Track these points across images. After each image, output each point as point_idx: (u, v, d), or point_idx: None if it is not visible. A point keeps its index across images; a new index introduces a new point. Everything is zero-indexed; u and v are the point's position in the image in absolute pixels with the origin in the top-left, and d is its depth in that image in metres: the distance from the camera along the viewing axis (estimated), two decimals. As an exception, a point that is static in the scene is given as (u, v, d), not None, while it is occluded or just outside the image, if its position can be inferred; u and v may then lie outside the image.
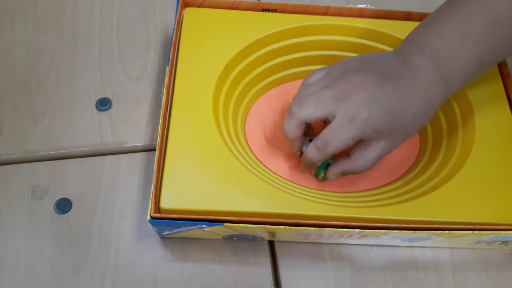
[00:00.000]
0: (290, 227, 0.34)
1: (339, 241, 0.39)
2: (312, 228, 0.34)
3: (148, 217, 0.34)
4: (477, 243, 0.38)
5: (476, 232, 0.34)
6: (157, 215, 0.34)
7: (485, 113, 0.40)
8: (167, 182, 0.35)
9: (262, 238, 0.38)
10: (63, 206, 0.40)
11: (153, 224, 0.35)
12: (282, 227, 0.34)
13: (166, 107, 0.38)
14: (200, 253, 0.38)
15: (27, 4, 0.51)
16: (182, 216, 0.34)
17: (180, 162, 0.36)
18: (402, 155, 0.42)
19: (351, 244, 0.39)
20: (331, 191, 0.39)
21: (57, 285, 0.37)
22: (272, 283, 0.37)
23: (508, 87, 0.41)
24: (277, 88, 0.45)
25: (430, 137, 0.42)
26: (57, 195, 0.41)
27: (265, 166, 0.40)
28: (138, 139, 0.43)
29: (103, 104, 0.45)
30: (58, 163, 0.42)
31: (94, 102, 0.45)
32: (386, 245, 0.39)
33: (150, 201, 0.34)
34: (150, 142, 0.43)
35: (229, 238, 0.38)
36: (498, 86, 0.41)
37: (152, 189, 0.35)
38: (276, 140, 0.42)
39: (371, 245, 0.39)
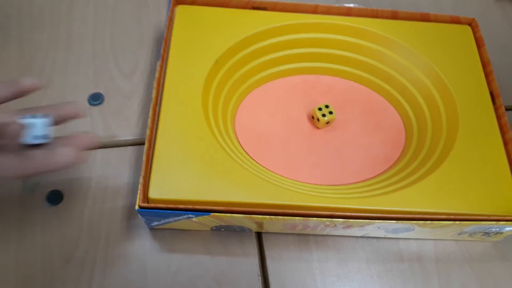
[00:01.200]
0: (276, 216, 0.35)
1: (325, 232, 0.39)
2: (297, 218, 0.35)
3: (137, 207, 0.34)
4: (459, 234, 0.38)
5: (458, 222, 0.35)
6: (145, 204, 0.34)
7: (468, 109, 0.41)
8: (155, 172, 0.35)
9: (250, 230, 0.39)
10: (54, 198, 0.41)
11: (141, 214, 0.35)
12: (267, 216, 0.35)
13: (156, 101, 0.39)
14: (188, 244, 0.39)
15: (24, 2, 0.52)
16: (170, 206, 0.34)
17: (169, 153, 0.36)
18: (387, 150, 0.43)
19: (337, 236, 0.40)
20: (317, 184, 0.40)
21: (48, 276, 0.38)
22: (259, 274, 0.38)
23: (491, 83, 0.42)
24: (266, 84, 0.46)
25: (415, 132, 0.43)
26: (48, 187, 0.41)
27: (253, 160, 0.41)
28: (129, 133, 0.44)
29: (95, 99, 0.46)
30: (50, 156, 0.43)
31: (86, 97, 0.46)
32: (371, 237, 0.40)
33: (139, 191, 0.35)
34: (141, 136, 0.44)
35: (217, 229, 0.39)
36: (481, 82, 0.42)
37: (141, 179, 0.35)
38: (265, 134, 0.43)
39: (357, 237, 0.40)
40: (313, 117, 0.43)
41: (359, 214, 0.35)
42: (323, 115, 0.42)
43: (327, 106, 0.43)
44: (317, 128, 0.43)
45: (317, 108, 0.43)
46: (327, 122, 0.43)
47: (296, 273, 0.38)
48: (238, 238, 0.39)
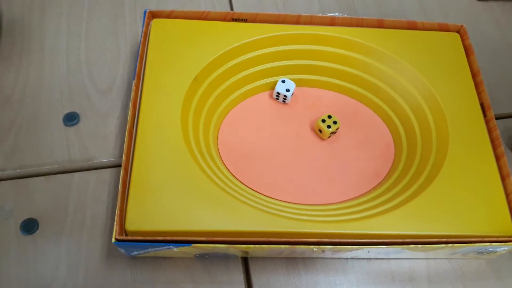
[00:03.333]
0: (260, 245, 0.33)
1: (314, 256, 0.38)
2: (283, 246, 0.33)
3: (113, 240, 0.33)
4: (452, 254, 0.37)
5: (450, 245, 0.34)
6: (122, 237, 0.33)
7: (458, 121, 0.39)
8: (132, 202, 0.33)
9: (235, 256, 0.38)
10: (30, 226, 0.39)
11: (119, 246, 0.34)
12: (252, 245, 0.33)
13: (132, 124, 0.37)
14: (171, 272, 0.37)
15: (-8, 15, 0.49)
16: (148, 238, 0.32)
17: (146, 181, 0.34)
18: (377, 165, 0.41)
19: (326, 258, 0.39)
20: (305, 204, 0.38)
21: (23, 310, 0.36)
22: (246, 301, 0.37)
23: (481, 94, 0.41)
24: (249, 99, 0.44)
25: (404, 148, 0.41)
26: (23, 215, 0.39)
27: (238, 180, 0.39)
28: (107, 155, 0.42)
29: (71, 119, 0.44)
30: (24, 181, 0.41)
31: (61, 117, 0.44)
32: (362, 258, 0.39)
33: (115, 223, 0.33)
34: (119, 157, 0.42)
35: (201, 256, 0.37)
36: (471, 92, 0.41)
37: (117, 210, 0.33)
38: (250, 152, 0.41)
39: (347, 258, 0.39)
40: (320, 131, 0.41)
41: (348, 240, 0.33)
42: (328, 126, 0.41)
43: (330, 117, 0.41)
44: (321, 138, 0.42)
45: (320, 120, 0.41)
46: (333, 133, 0.41)
47: (285, 299, 0.37)
48: (223, 265, 0.38)
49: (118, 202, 0.34)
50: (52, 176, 0.41)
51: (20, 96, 0.45)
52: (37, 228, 0.39)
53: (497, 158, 0.38)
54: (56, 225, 0.39)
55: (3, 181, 0.41)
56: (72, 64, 0.47)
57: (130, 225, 0.33)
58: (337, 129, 0.41)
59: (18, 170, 0.41)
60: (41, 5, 0.50)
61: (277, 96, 0.43)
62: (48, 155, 0.42)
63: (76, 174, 0.41)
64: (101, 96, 0.45)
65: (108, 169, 0.42)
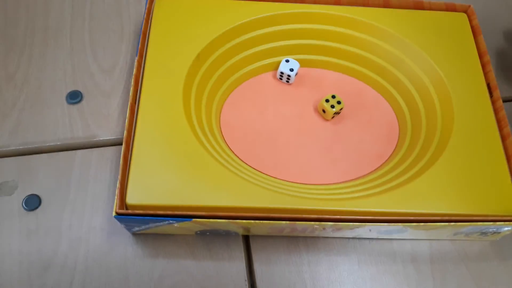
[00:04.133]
0: (261, 221, 0.33)
1: (315, 234, 0.38)
2: (284, 222, 0.33)
3: (113, 213, 0.33)
4: (455, 234, 0.37)
5: (452, 224, 0.33)
6: (123, 211, 0.33)
7: (464, 102, 0.39)
8: (133, 177, 0.33)
9: (236, 233, 0.37)
10: (32, 202, 0.39)
11: (119, 221, 0.34)
12: (252, 221, 0.33)
13: (134, 100, 0.37)
14: (172, 249, 0.37)
15: (-3, -5, 0.49)
16: (149, 212, 0.32)
17: (147, 156, 0.34)
18: (380, 147, 0.41)
19: (328, 237, 0.38)
20: (306, 184, 0.38)
21: (25, 283, 0.36)
22: (246, 278, 0.37)
23: (488, 75, 0.40)
24: (253, 78, 0.44)
25: (409, 130, 0.41)
26: (26, 191, 0.40)
27: (240, 159, 0.39)
28: (109, 133, 0.42)
29: (74, 97, 0.44)
30: (27, 158, 0.41)
31: (64, 95, 0.44)
32: (364, 238, 0.39)
33: (116, 197, 0.33)
34: (121, 135, 0.42)
35: (202, 233, 0.37)
36: (477, 73, 0.40)
37: (118, 184, 0.33)
38: (252, 132, 0.41)
39: (348, 238, 0.39)
40: (324, 111, 0.41)
41: (349, 217, 0.33)
42: (332, 106, 0.40)
43: (333, 97, 0.40)
44: (325, 119, 0.41)
45: (324, 100, 0.40)
46: (336, 113, 0.41)
47: (285, 278, 0.37)
48: (224, 242, 0.38)
49: (119, 176, 0.34)
50: (55, 153, 0.41)
51: (24, 74, 0.45)
52: (40, 204, 0.39)
53: (503, 139, 0.37)
54: (58, 202, 0.39)
55: (6, 158, 0.41)
56: (75, 43, 0.47)
57: (131, 199, 0.33)
58: (341, 109, 0.41)
59: (21, 147, 0.41)
60: (45, -15, 0.50)
61: (280, 76, 0.43)
62: (51, 132, 0.42)
63: (79, 152, 0.41)
64: (104, 75, 0.45)
65: (110, 147, 0.42)
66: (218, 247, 0.38)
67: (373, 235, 0.37)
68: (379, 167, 0.40)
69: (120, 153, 0.41)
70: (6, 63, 0.46)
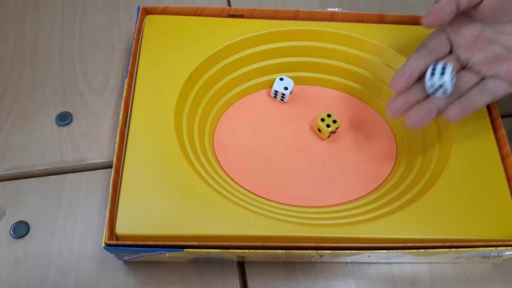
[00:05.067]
0: (256, 250, 0.32)
1: (312, 260, 0.37)
2: (280, 251, 0.32)
3: (103, 244, 0.31)
4: (456, 258, 0.36)
5: (454, 249, 0.32)
6: (112, 242, 0.31)
7: (463, 121, 0.37)
8: (122, 206, 0.32)
9: (231, 260, 0.36)
10: (20, 229, 0.38)
11: (109, 251, 0.32)
12: (246, 250, 0.32)
13: (124, 124, 0.36)
14: (164, 277, 0.36)
15: (-16, 13, 0.48)
16: (139, 243, 0.31)
17: (138, 183, 0.33)
18: (378, 166, 0.40)
19: (325, 262, 0.37)
20: (303, 206, 0.37)
21: (13, 314, 0.35)
22: (242, 307, 0.36)
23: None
24: (246, 97, 0.43)
25: (406, 148, 0.40)
26: (14, 218, 0.38)
27: (234, 181, 0.38)
28: (100, 155, 0.41)
29: (63, 118, 0.43)
30: (15, 183, 0.40)
31: (54, 116, 0.43)
32: (362, 262, 0.37)
33: (105, 227, 0.32)
34: (112, 158, 0.41)
35: (195, 260, 0.36)
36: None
37: (107, 213, 0.32)
38: (247, 153, 0.40)
39: (346, 263, 0.37)
40: (319, 130, 0.40)
41: (347, 245, 0.32)
42: (328, 126, 0.39)
43: (329, 116, 0.40)
44: (321, 138, 0.41)
45: (319, 119, 0.40)
46: (332, 132, 0.40)
47: (282, 305, 0.36)
48: (219, 269, 0.37)
49: (109, 205, 0.33)
50: (44, 177, 0.40)
51: (12, 94, 0.44)
52: (28, 231, 0.38)
53: (503, 159, 0.36)
54: (47, 228, 0.38)
55: (-6, 183, 0.40)
56: (65, 62, 0.46)
57: (120, 229, 0.32)
58: (337, 128, 0.40)
59: (9, 172, 0.40)
60: (34, 2, 0.49)
61: (275, 94, 0.42)
62: (40, 155, 0.41)
63: (68, 176, 0.40)
64: (95, 95, 0.44)
65: (101, 170, 0.41)
66: (212, 274, 0.36)
67: (372, 260, 0.36)
68: (376, 187, 0.39)
69: (111, 177, 0.40)
70: (-6, 83, 0.44)
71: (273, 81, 0.42)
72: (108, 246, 0.31)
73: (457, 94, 0.33)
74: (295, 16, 0.42)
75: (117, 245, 0.31)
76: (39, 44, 0.47)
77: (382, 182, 0.39)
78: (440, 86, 0.32)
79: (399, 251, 0.32)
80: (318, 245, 0.32)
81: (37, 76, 0.45)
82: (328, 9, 0.42)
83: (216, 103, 0.41)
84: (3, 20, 0.48)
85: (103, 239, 0.32)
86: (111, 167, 0.40)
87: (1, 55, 0.46)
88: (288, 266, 0.37)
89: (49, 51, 0.47)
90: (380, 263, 0.37)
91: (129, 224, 0.32)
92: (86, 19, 0.49)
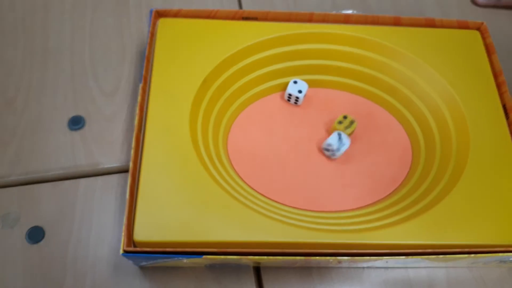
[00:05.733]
0: (274, 257, 0.32)
1: (329, 265, 0.36)
2: (298, 257, 0.32)
3: (121, 251, 0.31)
4: (473, 263, 0.36)
5: (472, 255, 0.32)
6: (131, 248, 0.31)
7: (479, 124, 0.37)
8: (140, 212, 0.32)
9: (247, 265, 0.36)
10: (35, 235, 0.38)
11: (127, 258, 0.32)
12: (265, 257, 0.32)
13: (139, 129, 0.36)
14: (181, 282, 0.36)
15: (-6, 16, 0.48)
16: (157, 249, 0.31)
17: (155, 189, 0.33)
18: (393, 170, 0.39)
19: (341, 267, 0.37)
20: (319, 211, 0.37)
21: (30, 321, 0.35)
22: (258, 313, 0.35)
23: (503, 95, 0.39)
24: (260, 100, 0.42)
25: (422, 152, 0.39)
26: (29, 223, 0.38)
27: (249, 186, 0.38)
28: (113, 160, 0.41)
29: (76, 122, 0.42)
30: (29, 188, 0.40)
31: (66, 121, 0.43)
32: (379, 267, 0.37)
33: (123, 234, 0.32)
34: (126, 162, 0.41)
35: (212, 266, 0.36)
36: (492, 94, 0.39)
37: (125, 220, 0.32)
38: (260, 156, 0.40)
39: (363, 267, 0.37)
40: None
41: (366, 251, 0.32)
42: (346, 127, 0.39)
43: (345, 117, 0.39)
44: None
45: (336, 122, 0.39)
46: (350, 134, 0.40)
47: (299, 310, 0.36)
48: (235, 274, 0.37)
49: (126, 211, 0.32)
50: (58, 182, 0.40)
51: (23, 99, 0.44)
52: (43, 237, 0.38)
53: (521, 163, 0.36)
54: (62, 233, 0.38)
55: (8, 188, 0.40)
56: (76, 65, 0.46)
57: (138, 236, 0.31)
58: (353, 130, 0.40)
59: (23, 176, 0.40)
60: (44, 5, 0.49)
61: (288, 97, 0.42)
62: (53, 160, 0.41)
63: (82, 180, 0.40)
64: (107, 99, 0.44)
65: (115, 175, 0.41)
66: (228, 280, 0.36)
67: (389, 264, 0.36)
68: (392, 192, 0.38)
69: (125, 181, 0.40)
70: (5, 87, 0.44)
71: (286, 84, 0.42)
72: (126, 253, 0.31)
73: None
74: (310, 18, 0.42)
75: (135, 251, 0.31)
76: (50, 47, 0.47)
77: (398, 187, 0.39)
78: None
79: (418, 257, 0.32)
80: (338, 252, 0.32)
81: (48, 80, 0.45)
82: (343, 11, 0.42)
83: (229, 107, 0.41)
84: (13, 24, 0.48)
85: (121, 245, 0.32)
86: (125, 171, 0.41)
87: (12, 59, 0.46)
88: (305, 271, 0.37)
89: (60, 54, 0.46)
90: (396, 267, 0.37)
91: (147, 231, 0.32)
92: (96, 22, 0.48)
